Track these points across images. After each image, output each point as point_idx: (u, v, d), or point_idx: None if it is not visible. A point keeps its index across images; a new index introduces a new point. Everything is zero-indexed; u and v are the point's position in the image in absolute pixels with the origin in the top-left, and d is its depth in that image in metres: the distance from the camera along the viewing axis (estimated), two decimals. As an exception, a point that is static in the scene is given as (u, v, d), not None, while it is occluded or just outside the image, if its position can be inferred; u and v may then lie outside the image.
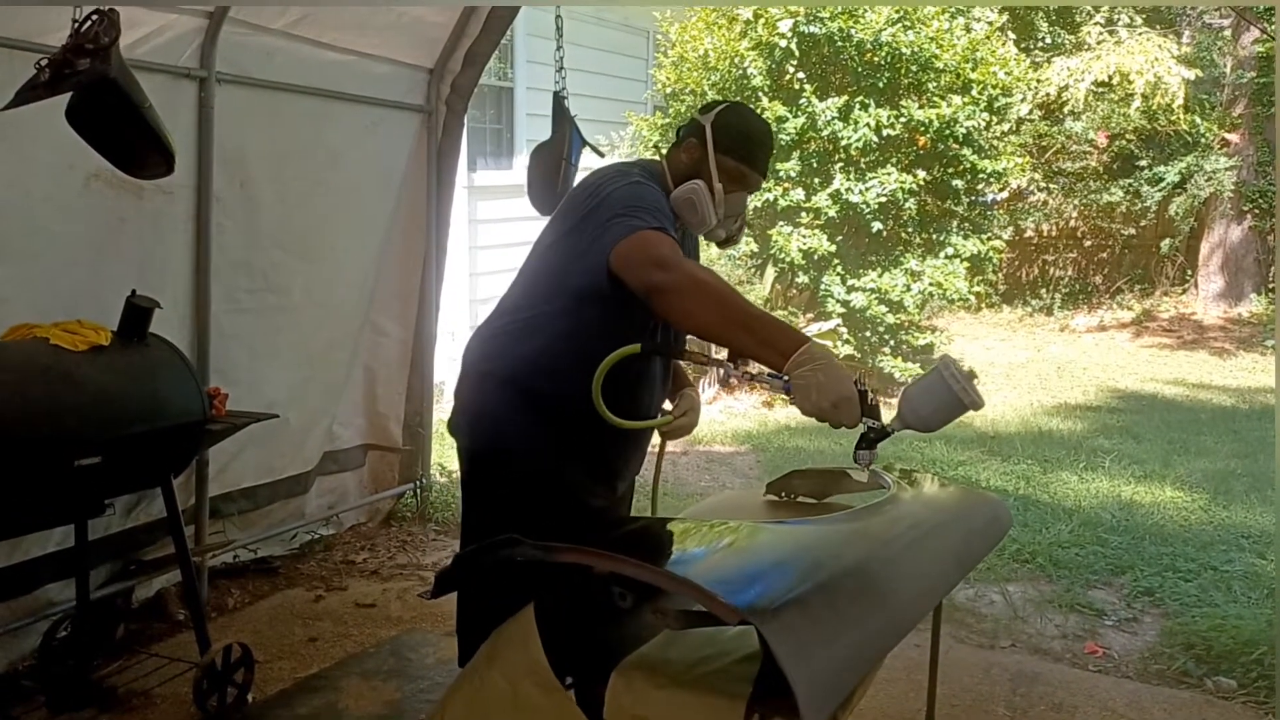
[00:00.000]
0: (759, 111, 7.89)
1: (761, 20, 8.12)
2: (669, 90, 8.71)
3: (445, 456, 6.03)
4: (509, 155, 8.96)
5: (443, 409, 7.03)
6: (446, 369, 7.63)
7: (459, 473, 2.40)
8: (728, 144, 2.29)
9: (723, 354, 1.95)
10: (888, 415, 1.85)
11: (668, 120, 8.52)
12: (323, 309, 4.39)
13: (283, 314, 4.20)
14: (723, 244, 2.45)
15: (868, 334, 8.25)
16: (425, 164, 4.84)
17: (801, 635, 1.60)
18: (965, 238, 8.56)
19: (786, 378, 1.79)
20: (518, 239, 8.50)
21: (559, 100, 4.14)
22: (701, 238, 2.48)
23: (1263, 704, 3.35)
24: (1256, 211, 12.36)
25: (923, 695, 2.75)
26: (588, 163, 4.50)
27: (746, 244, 8.15)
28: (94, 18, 2.51)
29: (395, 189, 4.72)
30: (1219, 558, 4.62)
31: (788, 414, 7.83)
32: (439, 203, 4.93)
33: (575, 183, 4.12)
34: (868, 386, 1.81)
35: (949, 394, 1.79)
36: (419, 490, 5.13)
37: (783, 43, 7.98)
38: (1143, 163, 12.85)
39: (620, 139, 8.88)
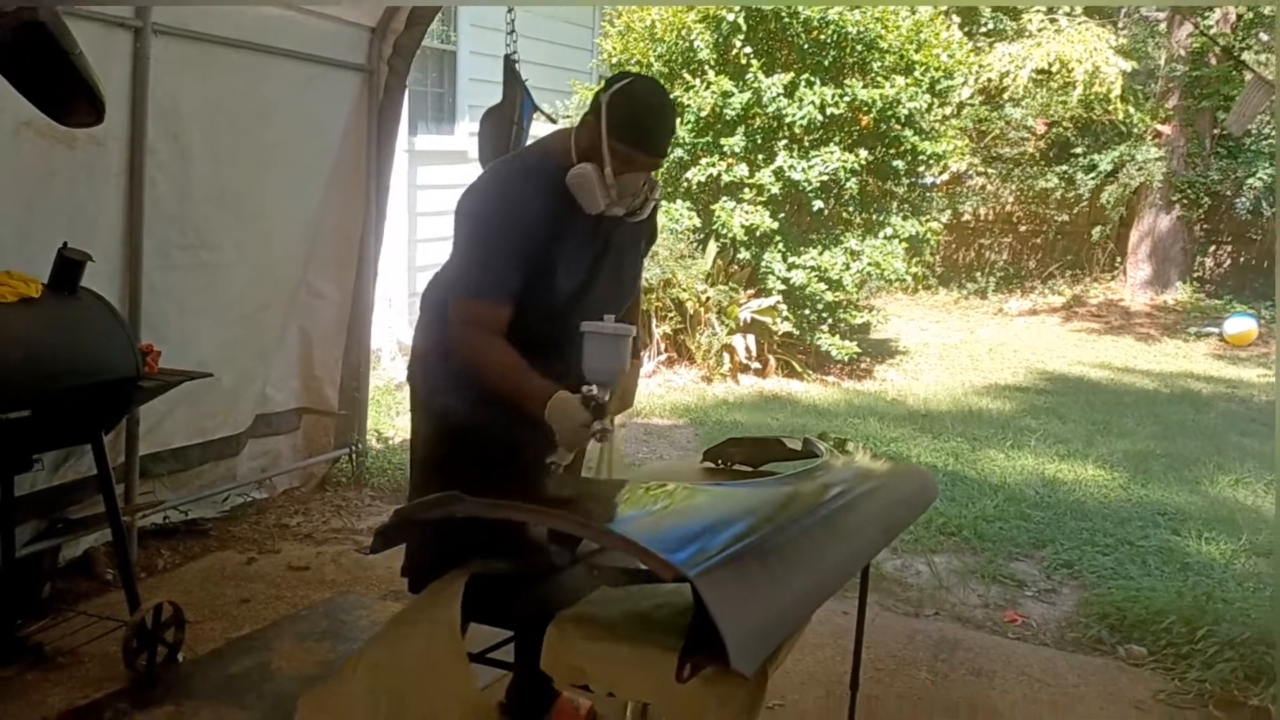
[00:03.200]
0: (705, 85, 8.03)
1: (709, -7, 8.12)
2: (614, 60, 8.67)
3: (381, 422, 6.01)
4: (450, 120, 8.86)
5: (379, 375, 7.01)
6: (384, 336, 7.57)
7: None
8: (618, 127, 2.25)
9: None
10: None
11: (613, 91, 8.48)
12: (256, 268, 4.32)
13: (215, 271, 4.13)
14: (626, 217, 2.38)
15: (806, 311, 8.33)
16: (365, 124, 4.78)
17: (733, 590, 1.65)
18: (904, 219, 8.68)
19: None
20: (459, 206, 8.42)
21: (510, 64, 4.12)
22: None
23: (1170, 670, 3.50)
24: (1185, 202, 12.71)
25: (849, 659, 2.83)
26: (538, 129, 4.49)
27: (689, 219, 8.17)
28: (25, -40, 2.44)
29: (334, 149, 4.65)
30: (1136, 533, 4.79)
31: (726, 389, 7.91)
32: (379, 165, 4.87)
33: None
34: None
35: (610, 341, 2.14)
36: (354, 455, 5.09)
37: (730, 16, 7.99)
38: (1078, 150, 13.13)
39: (565, 107, 8.84)
